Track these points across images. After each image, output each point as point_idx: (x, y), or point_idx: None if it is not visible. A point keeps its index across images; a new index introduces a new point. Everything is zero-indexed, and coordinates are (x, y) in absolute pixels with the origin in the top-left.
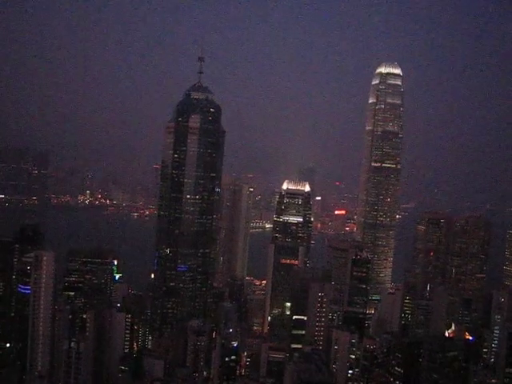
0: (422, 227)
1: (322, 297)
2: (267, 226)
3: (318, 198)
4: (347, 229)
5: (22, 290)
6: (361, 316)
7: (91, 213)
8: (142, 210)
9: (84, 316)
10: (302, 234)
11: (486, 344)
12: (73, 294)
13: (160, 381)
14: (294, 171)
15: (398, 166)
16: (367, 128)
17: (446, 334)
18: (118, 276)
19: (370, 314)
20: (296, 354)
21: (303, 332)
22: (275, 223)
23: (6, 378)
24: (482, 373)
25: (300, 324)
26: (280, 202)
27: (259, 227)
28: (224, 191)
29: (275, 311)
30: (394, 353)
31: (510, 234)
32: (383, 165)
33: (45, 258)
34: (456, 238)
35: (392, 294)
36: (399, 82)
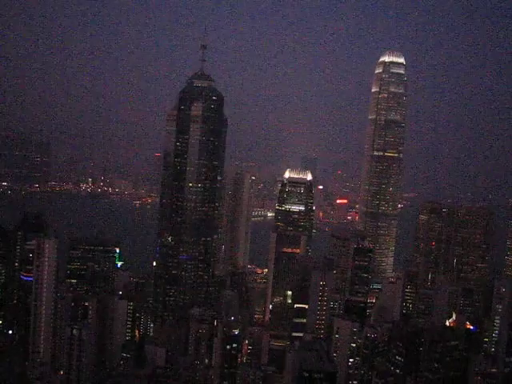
0: (424, 217)
1: (323, 285)
2: (269, 215)
3: (320, 187)
4: (349, 218)
5: (25, 278)
6: (362, 305)
7: (93, 201)
8: (144, 198)
9: (86, 303)
10: (304, 222)
11: (486, 333)
12: (75, 281)
13: (162, 368)
14: (297, 160)
15: (401, 156)
16: (370, 117)
17: (447, 324)
18: (120, 264)
19: (372, 302)
20: (297, 343)
21: (304, 320)
22: (277, 212)
23: (8, 364)
24: (483, 362)
25: (301, 312)
26: (282, 191)
27: (261, 216)
28: (226, 179)
29: (277, 300)
30: (394, 342)
31: None
32: (386, 154)
33: (47, 246)
34: (458, 228)
35: (393, 283)
36: (402, 71)
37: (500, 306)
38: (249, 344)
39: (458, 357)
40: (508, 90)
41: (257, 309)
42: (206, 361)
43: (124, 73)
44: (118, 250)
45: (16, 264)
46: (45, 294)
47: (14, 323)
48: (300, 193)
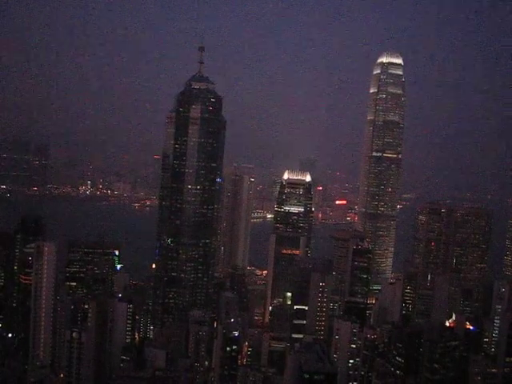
0: (423, 217)
1: (322, 287)
2: (268, 216)
3: (319, 188)
4: (348, 219)
5: (24, 281)
6: (362, 306)
7: (92, 203)
8: (143, 200)
9: (86, 306)
10: (303, 224)
11: (486, 334)
12: (74, 284)
13: (162, 370)
14: (295, 161)
15: (399, 156)
16: (368, 118)
17: (447, 324)
18: (119, 266)
19: (371, 303)
20: (297, 344)
21: (304, 322)
22: (276, 213)
23: (8, 367)
24: (483, 362)
25: (301, 314)
26: (281, 192)
27: (260, 217)
28: (225, 181)
29: (276, 301)
30: (394, 342)
31: (511, 224)
32: (384, 155)
33: (46, 249)
34: (457, 228)
35: (393, 283)
36: (401, 72)
37: (499, 306)
38: (249, 346)
39: (457, 357)
40: (507, 91)
41: (256, 310)
42: (206, 363)
43: (122, 75)
44: (117, 253)
45: (15, 267)
46: (44, 297)
47: (14, 326)
48: (299, 194)
